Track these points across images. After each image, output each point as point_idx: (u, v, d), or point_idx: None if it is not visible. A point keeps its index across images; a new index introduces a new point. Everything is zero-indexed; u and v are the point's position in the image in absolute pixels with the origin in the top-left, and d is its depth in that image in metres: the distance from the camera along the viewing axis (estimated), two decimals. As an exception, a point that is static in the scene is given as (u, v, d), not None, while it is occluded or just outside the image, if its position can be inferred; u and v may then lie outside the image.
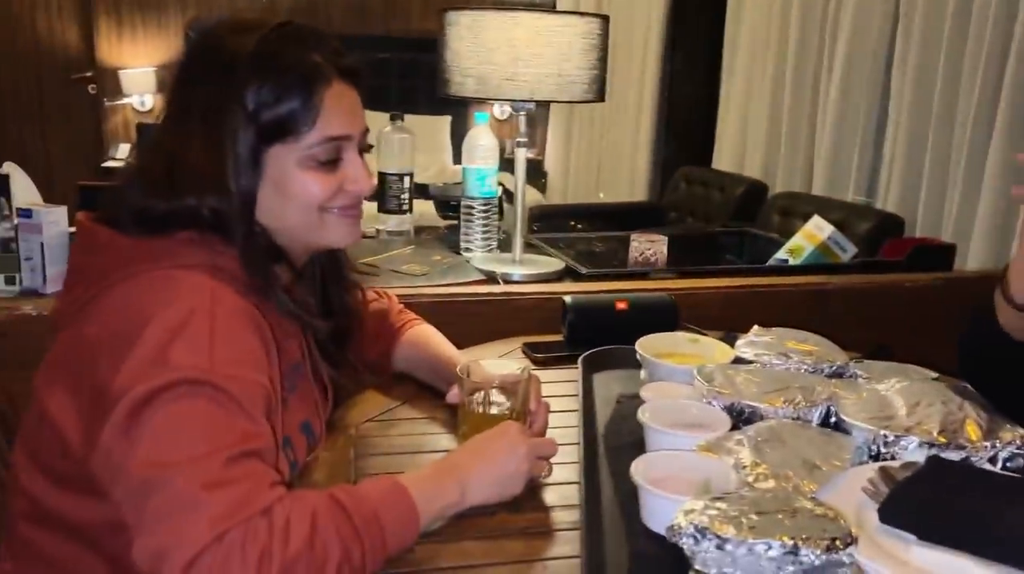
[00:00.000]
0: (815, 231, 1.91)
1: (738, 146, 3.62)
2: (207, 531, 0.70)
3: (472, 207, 1.82)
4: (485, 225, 1.84)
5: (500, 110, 5.34)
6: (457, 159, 5.15)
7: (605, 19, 1.60)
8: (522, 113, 1.64)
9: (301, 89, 0.90)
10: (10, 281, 1.50)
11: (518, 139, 1.68)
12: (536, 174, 5.49)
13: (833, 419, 1.01)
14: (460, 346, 1.30)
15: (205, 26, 0.96)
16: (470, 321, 1.32)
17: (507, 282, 1.68)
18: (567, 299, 1.39)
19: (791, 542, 0.68)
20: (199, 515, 0.71)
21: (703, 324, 1.42)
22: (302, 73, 0.91)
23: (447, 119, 5.28)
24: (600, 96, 1.59)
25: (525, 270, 1.73)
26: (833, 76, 2.93)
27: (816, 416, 1.00)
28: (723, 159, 3.72)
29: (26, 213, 1.47)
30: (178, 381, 0.76)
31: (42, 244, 1.47)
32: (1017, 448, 0.90)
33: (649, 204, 4.11)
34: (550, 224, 2.56)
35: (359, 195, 0.97)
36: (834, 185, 2.97)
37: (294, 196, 0.92)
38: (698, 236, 2.49)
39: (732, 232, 2.42)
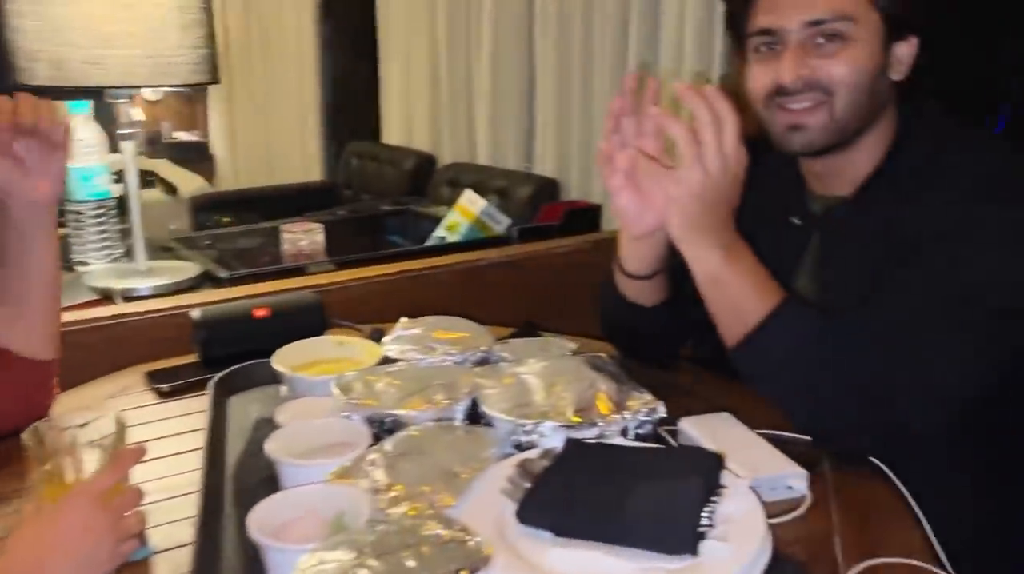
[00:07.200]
0: (468, 206, 1.88)
1: (404, 120, 3.58)
2: None
3: (81, 212, 1.55)
4: (102, 231, 1.58)
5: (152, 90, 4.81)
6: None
7: (207, -10, 1.41)
8: (122, 101, 1.41)
9: None
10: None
11: (121, 131, 1.43)
12: (201, 158, 5.10)
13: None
14: (65, 388, 1.08)
15: None
16: (79, 354, 1.09)
17: (128, 299, 1.44)
18: (194, 313, 1.21)
19: (410, 589, 0.60)
20: None
21: (363, 319, 1.32)
22: None
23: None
24: (214, 78, 1.40)
25: (152, 281, 1.50)
26: (483, 49, 2.97)
27: (460, 414, 0.94)
28: (392, 133, 3.67)
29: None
30: None
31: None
32: (644, 416, 0.90)
33: (325, 183, 3.96)
34: (221, 213, 2.31)
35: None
36: (496, 154, 3.02)
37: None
38: (362, 219, 2.38)
39: (396, 211, 2.34)
